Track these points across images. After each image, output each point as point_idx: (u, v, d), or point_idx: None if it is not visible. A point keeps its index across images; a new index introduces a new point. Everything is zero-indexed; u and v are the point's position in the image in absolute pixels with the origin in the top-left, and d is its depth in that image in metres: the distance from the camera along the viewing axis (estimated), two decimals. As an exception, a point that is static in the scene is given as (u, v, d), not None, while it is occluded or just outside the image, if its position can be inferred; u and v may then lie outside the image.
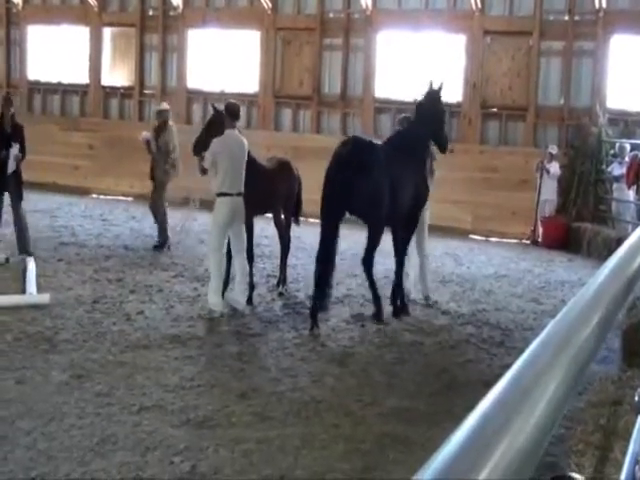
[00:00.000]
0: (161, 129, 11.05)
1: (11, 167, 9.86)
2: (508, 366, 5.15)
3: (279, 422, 5.67)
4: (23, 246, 10.13)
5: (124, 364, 6.64)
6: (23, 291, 8.37)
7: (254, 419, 5.69)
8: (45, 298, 8.06)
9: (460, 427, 1.22)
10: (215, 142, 8.05)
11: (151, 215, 11.45)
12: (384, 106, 14.65)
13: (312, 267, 9.37)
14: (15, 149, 9.82)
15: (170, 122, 11.34)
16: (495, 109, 14.33)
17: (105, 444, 5.18)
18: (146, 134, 10.91)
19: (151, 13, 16.19)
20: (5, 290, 8.41)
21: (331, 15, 14.95)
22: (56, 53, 16.98)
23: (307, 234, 12.19)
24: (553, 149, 13.61)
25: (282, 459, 5.09)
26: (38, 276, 8.97)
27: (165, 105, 11.55)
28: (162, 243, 11.13)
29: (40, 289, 8.45)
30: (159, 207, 11.14)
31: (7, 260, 9.62)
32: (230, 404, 5.93)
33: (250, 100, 15.52)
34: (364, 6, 14.47)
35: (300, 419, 5.74)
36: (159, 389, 6.16)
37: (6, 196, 10.11)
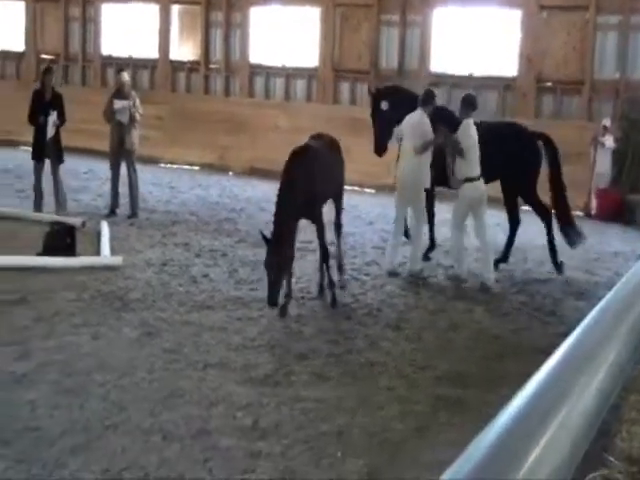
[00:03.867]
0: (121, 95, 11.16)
1: (50, 132, 10.44)
2: (561, 334, 5.37)
3: (336, 382, 5.88)
4: (60, 208, 10.74)
5: (190, 323, 6.96)
6: (98, 253, 8.78)
7: (312, 379, 5.92)
8: (118, 260, 8.46)
9: (526, 387, 1.29)
10: (461, 134, 8.37)
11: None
12: (439, 80, 14.66)
13: (369, 235, 9.62)
14: (53, 116, 10.43)
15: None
16: (550, 83, 14.19)
17: (173, 397, 5.48)
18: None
19: (216, -9, 16.45)
20: (82, 252, 8.83)
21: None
22: (128, 29, 17.41)
23: (364, 204, 12.39)
24: (607, 122, 13.49)
25: (339, 417, 5.29)
26: (112, 239, 9.38)
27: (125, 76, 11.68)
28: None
29: (113, 252, 8.84)
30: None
31: (84, 224, 10.07)
32: (290, 364, 6.17)
33: (310, 74, 15.68)
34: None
35: (356, 380, 5.95)
36: (223, 347, 6.46)
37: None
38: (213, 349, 6.43)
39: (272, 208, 11.68)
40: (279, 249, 6.90)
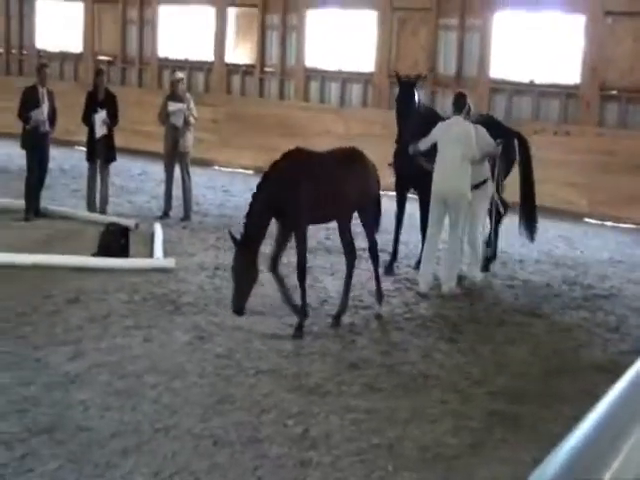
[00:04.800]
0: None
1: (99, 131, 10.57)
2: (623, 352, 5.19)
3: (388, 394, 5.81)
4: (102, 207, 10.87)
5: (242, 329, 6.94)
6: (151, 255, 8.84)
7: (364, 389, 5.85)
8: (171, 263, 8.49)
9: (596, 407, 1.21)
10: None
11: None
12: (499, 86, 14.43)
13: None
14: (102, 114, 10.57)
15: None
16: (615, 91, 13.84)
17: (223, 403, 5.47)
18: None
19: (274, -7, 16.50)
20: (135, 254, 8.90)
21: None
22: (184, 31, 17.58)
23: (418, 211, 12.20)
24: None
25: (390, 430, 5.22)
26: (165, 242, 9.44)
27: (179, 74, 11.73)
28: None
29: (166, 254, 8.89)
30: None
31: (137, 226, 10.16)
32: (341, 373, 6.11)
33: (366, 79, 15.61)
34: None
35: (409, 392, 5.86)
36: (274, 354, 6.42)
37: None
38: (264, 356, 6.40)
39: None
40: (246, 253, 6.60)
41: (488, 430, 5.31)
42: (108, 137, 10.81)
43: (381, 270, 8.97)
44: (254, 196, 6.78)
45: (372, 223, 7.54)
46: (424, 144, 8.31)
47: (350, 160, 7.31)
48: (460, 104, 8.35)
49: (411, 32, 15.14)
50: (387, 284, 8.56)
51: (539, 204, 9.52)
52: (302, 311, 7.00)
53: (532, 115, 14.05)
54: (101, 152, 10.80)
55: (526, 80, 14.31)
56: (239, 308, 6.58)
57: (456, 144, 8.07)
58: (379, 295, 7.59)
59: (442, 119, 8.74)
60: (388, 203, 12.68)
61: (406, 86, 8.90)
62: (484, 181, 8.43)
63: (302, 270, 6.97)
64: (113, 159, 11.01)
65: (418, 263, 8.78)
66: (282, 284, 7.07)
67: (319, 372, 6.12)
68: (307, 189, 6.84)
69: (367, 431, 5.20)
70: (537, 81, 14.22)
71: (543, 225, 9.47)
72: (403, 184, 9.12)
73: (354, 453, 4.91)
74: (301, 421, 5.27)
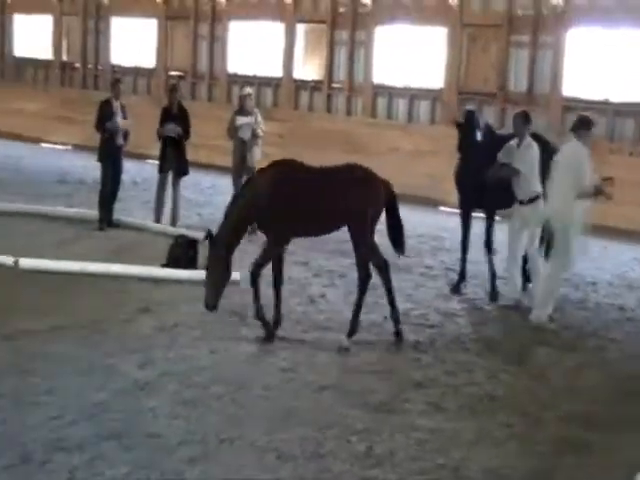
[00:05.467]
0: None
1: (168, 131, 10.78)
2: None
3: (453, 414, 5.75)
4: (173, 220, 11.04)
5: (306, 343, 6.97)
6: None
7: (428, 409, 5.81)
8: (236, 276, 8.57)
9: None
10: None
11: None
12: (572, 105, 14.18)
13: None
14: (171, 125, 10.81)
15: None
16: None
17: (288, 417, 5.50)
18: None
19: (342, 10, 16.62)
20: (203, 266, 8.98)
21: (519, 12, 14.66)
22: (253, 47, 17.85)
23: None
24: None
25: (455, 451, 5.16)
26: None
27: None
28: None
29: (233, 267, 8.96)
30: None
31: (206, 238, 10.27)
32: (406, 391, 6.08)
33: (434, 95, 15.55)
34: (554, 2, 14.07)
35: (474, 414, 5.78)
36: (339, 370, 6.43)
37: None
38: (329, 371, 6.41)
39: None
40: (219, 253, 6.80)
41: (557, 455, 5.20)
42: (180, 150, 11.02)
43: (447, 288, 8.95)
44: (233, 199, 7.03)
45: (360, 242, 7.12)
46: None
47: (339, 175, 7.09)
48: (580, 126, 7.95)
49: (481, 49, 15.05)
50: (453, 304, 8.50)
51: (614, 225, 9.29)
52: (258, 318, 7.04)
53: (607, 134, 13.75)
54: (172, 164, 11.02)
55: (600, 98, 14.03)
56: (211, 306, 6.80)
57: (564, 171, 7.88)
58: (352, 325, 7.06)
59: (503, 138, 8.65)
60: (451, 221, 12.57)
61: (465, 125, 8.80)
62: (537, 197, 8.22)
63: (254, 273, 7.07)
64: (185, 172, 11.21)
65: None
66: (257, 295, 7.05)
67: (383, 389, 6.09)
68: (284, 200, 6.85)
69: (431, 451, 5.15)
70: (612, 99, 13.93)
71: (618, 247, 9.23)
72: (467, 201, 8.98)
73: (418, 472, 4.88)
74: (365, 438, 5.25)
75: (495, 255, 8.81)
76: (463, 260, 9.01)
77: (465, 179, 8.83)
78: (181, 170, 11.12)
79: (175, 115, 10.98)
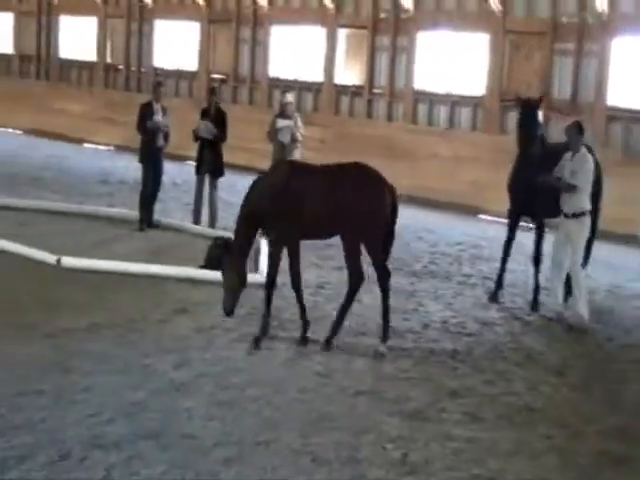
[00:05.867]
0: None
1: (203, 132, 10.83)
2: None
3: (490, 424, 5.68)
4: (211, 221, 11.09)
5: (342, 349, 6.93)
6: (256, 270, 8.97)
7: (465, 418, 5.75)
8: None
9: None
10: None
11: None
12: (616, 114, 13.97)
13: (531, 273, 9.24)
14: (207, 123, 10.87)
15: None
16: None
17: (323, 421, 5.49)
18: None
19: (383, 16, 16.60)
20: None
21: (564, 19, 14.50)
22: (294, 52, 17.91)
23: (527, 240, 11.94)
24: None
25: (492, 461, 5.11)
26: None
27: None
28: None
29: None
30: None
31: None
32: (442, 400, 6.02)
33: (476, 102, 15.44)
34: (600, 10, 13.88)
35: (512, 424, 5.72)
36: (374, 376, 6.40)
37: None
38: (364, 377, 6.38)
39: (431, 238, 11.77)
40: (233, 259, 6.89)
41: (597, 470, 5.11)
42: (216, 152, 11.09)
43: (485, 297, 8.85)
44: (241, 206, 7.07)
45: (351, 246, 6.90)
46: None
47: (342, 176, 6.94)
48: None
49: (524, 56, 14.91)
50: (492, 312, 8.40)
51: None
52: (262, 320, 7.02)
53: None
54: (209, 166, 11.09)
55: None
56: (228, 311, 6.87)
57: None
58: (333, 331, 6.97)
59: (556, 148, 8.49)
60: (491, 229, 12.46)
61: (528, 108, 8.53)
62: (582, 213, 7.98)
63: (269, 280, 7.06)
64: (221, 174, 11.27)
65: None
66: (269, 299, 7.05)
67: (419, 397, 6.04)
68: (286, 201, 6.81)
69: (468, 461, 5.10)
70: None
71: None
72: (518, 210, 8.72)
73: (453, 482, 4.83)
74: (401, 445, 5.22)
75: (540, 266, 8.63)
76: (502, 269, 8.86)
77: (517, 184, 8.59)
78: (217, 172, 11.19)
79: (213, 117, 11.04)
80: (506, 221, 9.00)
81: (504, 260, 8.85)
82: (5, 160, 16.03)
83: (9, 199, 11.77)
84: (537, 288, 8.57)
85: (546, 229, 8.72)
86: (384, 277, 6.97)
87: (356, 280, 6.99)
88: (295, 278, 7.19)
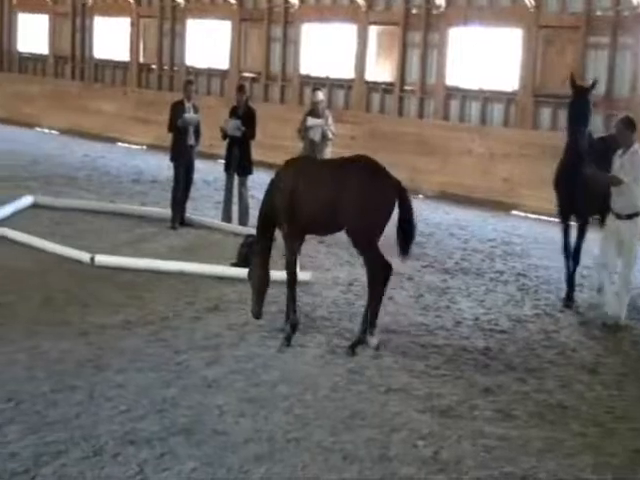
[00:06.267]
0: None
1: (231, 131, 10.85)
2: None
3: (522, 422, 5.64)
4: (242, 219, 11.10)
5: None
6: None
7: (497, 415, 5.72)
8: (307, 276, 8.61)
9: None
10: None
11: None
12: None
13: (565, 270, 9.10)
14: (237, 121, 10.88)
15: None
16: None
17: (354, 418, 5.49)
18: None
19: (414, 12, 16.51)
20: (273, 266, 9.03)
21: (598, 13, 14.29)
22: (325, 49, 17.90)
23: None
24: None
25: (524, 460, 5.07)
26: (301, 256, 9.57)
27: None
28: None
29: (302, 268, 9.01)
30: None
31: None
32: (474, 397, 5.99)
33: (508, 98, 15.29)
34: (635, 3, 13.65)
35: (545, 422, 5.67)
36: (405, 373, 6.38)
37: None
38: (395, 374, 6.37)
39: (463, 234, 11.70)
40: (256, 260, 6.97)
41: (632, 469, 5.05)
42: (244, 150, 11.13)
43: (519, 293, 8.77)
44: (260, 205, 7.16)
45: (360, 241, 6.84)
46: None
47: (344, 170, 6.84)
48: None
49: (558, 51, 14.72)
50: (524, 309, 8.33)
51: None
52: (286, 318, 6.99)
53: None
54: (237, 164, 11.14)
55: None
56: (255, 313, 6.93)
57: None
58: (368, 325, 6.85)
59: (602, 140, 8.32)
60: (524, 226, 12.35)
61: (581, 93, 8.17)
62: (636, 213, 7.64)
63: (289, 277, 7.03)
64: (249, 172, 11.31)
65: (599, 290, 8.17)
66: (293, 295, 7.04)
67: (451, 394, 6.02)
68: (293, 198, 6.85)
69: (499, 459, 5.07)
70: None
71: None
72: (567, 208, 8.33)
73: (485, 480, 4.80)
74: (432, 443, 5.21)
75: (579, 264, 8.44)
76: (568, 273, 8.42)
77: (565, 180, 8.23)
78: (246, 170, 11.22)
79: (242, 115, 11.08)
80: (557, 222, 8.55)
81: (567, 265, 8.41)
82: (41, 160, 16.28)
83: (45, 198, 11.95)
84: (571, 285, 8.42)
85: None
86: (374, 273, 6.77)
87: (380, 271, 6.78)
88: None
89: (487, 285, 9.14)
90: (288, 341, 6.82)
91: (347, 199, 6.64)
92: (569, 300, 8.40)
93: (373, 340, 6.83)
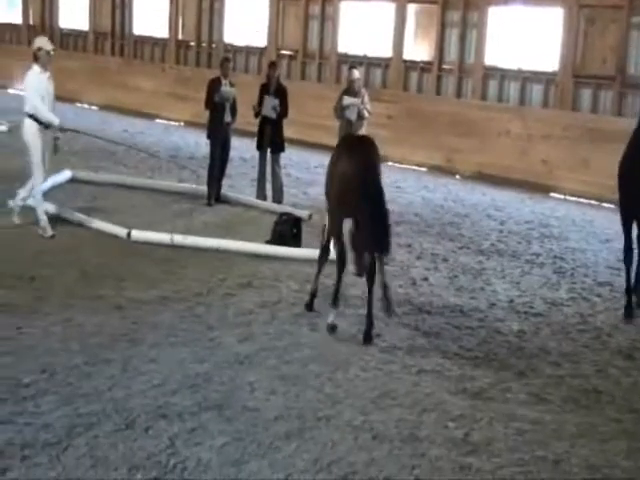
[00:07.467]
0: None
1: (266, 111, 10.84)
2: None
3: (556, 406, 5.59)
4: (277, 197, 11.11)
5: (407, 326, 6.91)
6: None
7: (530, 399, 5.67)
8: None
9: None
10: None
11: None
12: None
13: (604, 254, 8.97)
14: (274, 100, 10.86)
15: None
16: None
17: (385, 398, 5.48)
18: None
19: (454, -11, 16.27)
20: (307, 244, 9.07)
21: (641, -8, 13.96)
22: (363, 27, 17.73)
23: (601, 219, 11.67)
24: None
25: (557, 444, 5.02)
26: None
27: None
28: None
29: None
30: None
31: (310, 217, 10.33)
32: (507, 380, 5.95)
33: (548, 78, 15.02)
34: (680, -19, 13.31)
35: (579, 407, 5.61)
36: (438, 354, 6.34)
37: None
38: (428, 355, 6.34)
39: (500, 216, 11.58)
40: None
41: (666, 456, 4.96)
42: (277, 128, 11.10)
43: (555, 276, 8.67)
44: None
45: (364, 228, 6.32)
46: None
47: (347, 150, 6.82)
48: None
49: (599, 31, 14.39)
50: (560, 292, 8.23)
51: None
52: (333, 301, 6.76)
53: None
54: (269, 142, 11.12)
55: None
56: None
57: None
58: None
59: None
60: (562, 208, 12.15)
61: None
62: None
63: (337, 257, 6.73)
64: (281, 150, 11.28)
65: None
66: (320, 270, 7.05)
67: (484, 377, 5.98)
68: (331, 180, 6.80)
69: (531, 442, 5.03)
70: None
71: None
72: (633, 205, 7.41)
73: (516, 464, 4.76)
74: (463, 425, 5.18)
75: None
76: (628, 280, 7.66)
77: (629, 175, 7.33)
78: (278, 147, 11.20)
79: (273, 92, 11.03)
80: (620, 222, 7.72)
81: (628, 272, 7.66)
82: (80, 135, 16.40)
83: (84, 172, 12.07)
84: (631, 295, 7.62)
85: None
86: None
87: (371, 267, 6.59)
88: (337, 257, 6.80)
89: (523, 267, 9.04)
90: (332, 329, 6.64)
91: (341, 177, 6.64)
92: (629, 310, 7.53)
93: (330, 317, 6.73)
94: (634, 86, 13.79)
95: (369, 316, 6.56)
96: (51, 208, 9.41)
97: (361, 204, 6.27)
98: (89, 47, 23.40)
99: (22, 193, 9.06)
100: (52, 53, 8.98)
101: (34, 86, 8.72)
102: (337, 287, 6.79)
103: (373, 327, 6.58)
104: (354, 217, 6.32)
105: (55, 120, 8.77)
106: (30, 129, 8.73)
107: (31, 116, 8.71)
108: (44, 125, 8.74)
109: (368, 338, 6.49)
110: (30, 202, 9.04)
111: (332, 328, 6.64)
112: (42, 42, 8.98)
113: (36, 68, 8.80)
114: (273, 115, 10.93)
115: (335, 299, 6.78)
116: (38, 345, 5.95)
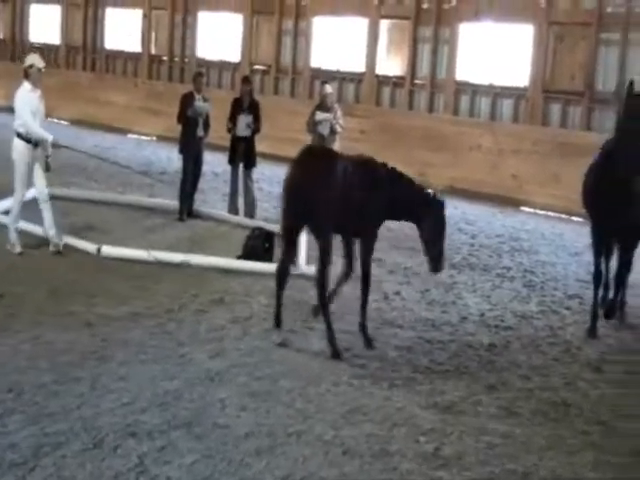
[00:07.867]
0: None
1: (240, 131, 10.91)
2: None
3: (526, 419, 5.63)
4: (249, 211, 11.14)
5: (377, 340, 6.91)
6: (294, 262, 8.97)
7: (500, 412, 5.70)
8: (312, 270, 8.55)
9: None
10: None
11: None
12: (666, 105, 13.62)
13: (573, 267, 9.03)
14: (248, 117, 10.94)
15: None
16: None
17: (355, 413, 5.48)
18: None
19: (425, 6, 16.42)
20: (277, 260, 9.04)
21: (609, 10, 14.18)
22: (336, 43, 17.84)
23: (570, 233, 11.80)
24: None
25: (526, 457, 5.05)
26: (308, 249, 9.56)
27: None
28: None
29: (309, 261, 8.99)
30: None
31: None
32: (477, 393, 5.98)
33: (518, 94, 15.21)
34: (646, -2, 13.57)
35: (548, 420, 5.65)
36: (409, 369, 6.36)
37: None
38: (399, 369, 6.35)
39: (471, 230, 11.66)
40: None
41: (633, 468, 5.02)
42: (249, 143, 11.13)
43: (525, 290, 8.74)
44: None
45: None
46: None
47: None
48: None
49: (569, 47, 14.62)
50: (530, 306, 8.30)
51: None
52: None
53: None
54: (241, 157, 11.13)
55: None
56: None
57: None
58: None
59: None
60: (532, 222, 12.24)
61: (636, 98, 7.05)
62: None
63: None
64: (254, 165, 11.31)
65: None
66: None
67: (454, 390, 6.00)
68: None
69: (502, 456, 5.05)
70: None
71: None
72: (606, 225, 7.21)
73: (486, 477, 4.79)
74: (434, 439, 5.19)
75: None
76: (595, 300, 7.55)
77: (604, 189, 7.00)
78: (250, 162, 11.22)
79: (246, 108, 11.06)
80: (591, 241, 7.51)
81: (595, 294, 7.57)
82: (55, 151, 16.28)
83: (55, 189, 11.96)
84: (595, 312, 7.52)
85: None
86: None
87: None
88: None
89: (493, 281, 9.11)
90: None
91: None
92: (593, 331, 7.44)
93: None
94: (602, 101, 14.00)
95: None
96: (26, 225, 9.33)
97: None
98: (60, 61, 23.29)
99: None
100: (43, 70, 8.92)
101: (25, 102, 8.66)
102: (278, 310, 7.00)
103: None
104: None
105: (48, 136, 8.71)
106: (17, 147, 8.68)
107: (19, 135, 8.65)
108: (33, 143, 8.66)
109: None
110: (4, 219, 8.96)
111: (282, 344, 6.70)
112: (34, 59, 8.91)
113: (27, 85, 8.74)
114: (248, 133, 10.98)
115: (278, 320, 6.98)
116: (7, 363, 5.87)
